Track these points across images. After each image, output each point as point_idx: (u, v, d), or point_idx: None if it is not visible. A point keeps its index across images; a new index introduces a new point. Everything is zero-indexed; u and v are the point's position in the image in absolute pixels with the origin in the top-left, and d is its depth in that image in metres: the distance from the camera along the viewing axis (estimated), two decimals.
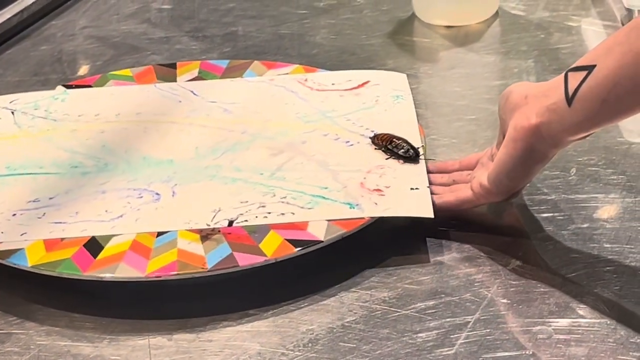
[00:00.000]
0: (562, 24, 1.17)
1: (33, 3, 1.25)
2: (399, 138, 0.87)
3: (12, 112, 0.97)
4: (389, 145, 0.87)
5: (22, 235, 0.79)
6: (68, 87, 1.02)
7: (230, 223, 0.79)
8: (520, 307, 0.74)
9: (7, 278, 0.78)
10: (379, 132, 0.89)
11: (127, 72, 1.05)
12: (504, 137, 0.78)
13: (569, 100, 0.71)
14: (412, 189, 0.82)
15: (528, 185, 0.86)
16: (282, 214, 0.80)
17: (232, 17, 1.24)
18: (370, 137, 0.89)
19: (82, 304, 0.76)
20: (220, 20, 1.23)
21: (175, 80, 1.02)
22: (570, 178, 0.88)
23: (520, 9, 1.21)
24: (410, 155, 0.86)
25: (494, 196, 0.80)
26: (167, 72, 1.04)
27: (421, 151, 0.87)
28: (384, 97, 0.96)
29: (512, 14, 1.20)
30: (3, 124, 0.96)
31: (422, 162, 0.85)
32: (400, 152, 0.86)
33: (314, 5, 1.26)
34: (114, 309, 0.76)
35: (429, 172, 0.85)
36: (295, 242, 0.77)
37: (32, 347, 0.73)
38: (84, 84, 1.02)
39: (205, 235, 0.78)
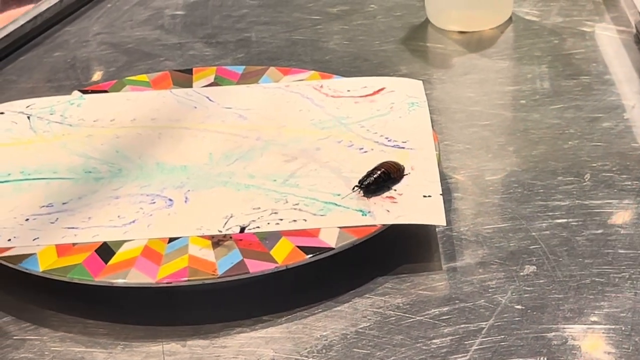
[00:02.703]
0: (576, 30, 1.16)
1: (46, 10, 1.25)
2: (381, 168, 0.83)
3: (28, 117, 0.98)
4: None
5: (34, 240, 0.79)
6: (84, 92, 1.02)
7: (242, 229, 0.79)
8: (535, 313, 0.73)
9: (21, 284, 0.79)
10: (398, 162, 0.86)
11: (143, 77, 1.05)
12: None
13: None
14: (424, 196, 0.82)
15: (542, 190, 0.86)
16: (294, 220, 0.80)
17: (245, 23, 1.25)
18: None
19: (96, 310, 0.77)
20: (234, 27, 1.24)
21: (191, 86, 1.02)
22: (585, 184, 0.88)
23: (534, 14, 1.21)
24: (360, 186, 0.83)
25: None
26: (183, 77, 1.04)
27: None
28: (399, 104, 0.95)
29: (525, 20, 1.20)
30: (19, 128, 0.96)
31: (435, 169, 0.85)
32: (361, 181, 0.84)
33: (326, 11, 1.26)
34: (128, 315, 0.76)
35: None
36: (306, 249, 0.76)
37: (46, 353, 0.73)
38: (100, 89, 1.03)
39: (217, 241, 0.78)
